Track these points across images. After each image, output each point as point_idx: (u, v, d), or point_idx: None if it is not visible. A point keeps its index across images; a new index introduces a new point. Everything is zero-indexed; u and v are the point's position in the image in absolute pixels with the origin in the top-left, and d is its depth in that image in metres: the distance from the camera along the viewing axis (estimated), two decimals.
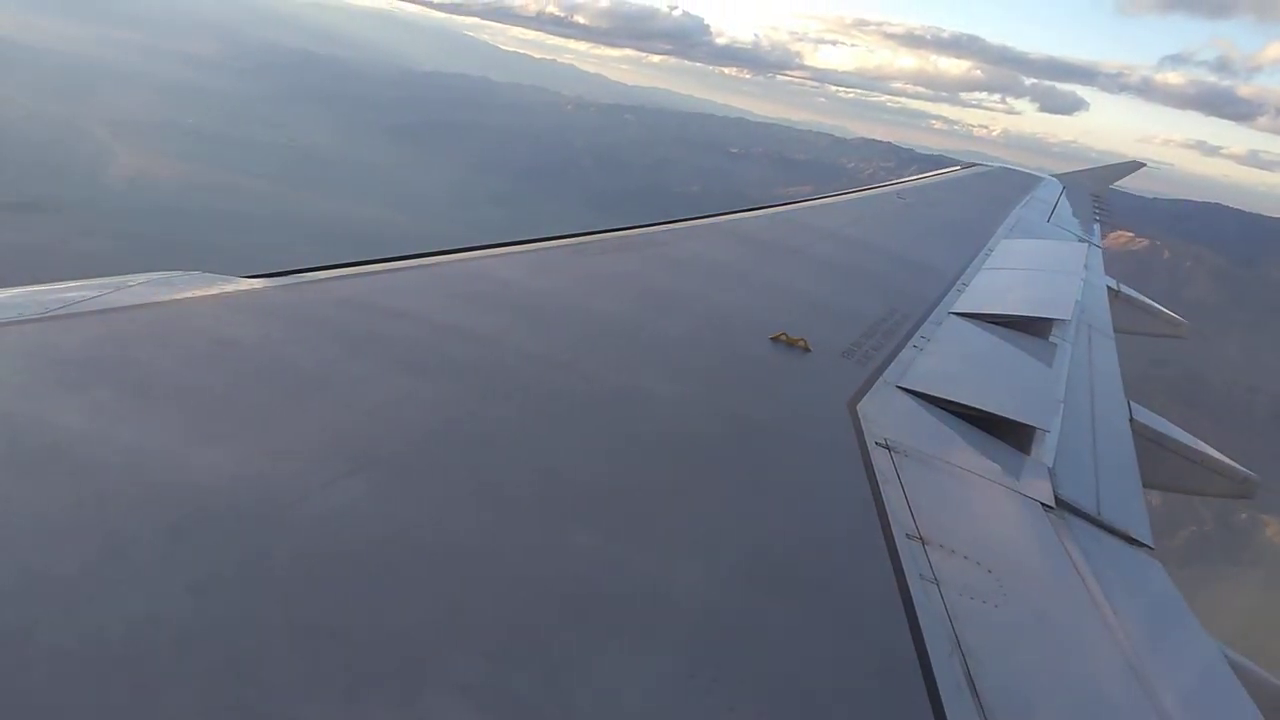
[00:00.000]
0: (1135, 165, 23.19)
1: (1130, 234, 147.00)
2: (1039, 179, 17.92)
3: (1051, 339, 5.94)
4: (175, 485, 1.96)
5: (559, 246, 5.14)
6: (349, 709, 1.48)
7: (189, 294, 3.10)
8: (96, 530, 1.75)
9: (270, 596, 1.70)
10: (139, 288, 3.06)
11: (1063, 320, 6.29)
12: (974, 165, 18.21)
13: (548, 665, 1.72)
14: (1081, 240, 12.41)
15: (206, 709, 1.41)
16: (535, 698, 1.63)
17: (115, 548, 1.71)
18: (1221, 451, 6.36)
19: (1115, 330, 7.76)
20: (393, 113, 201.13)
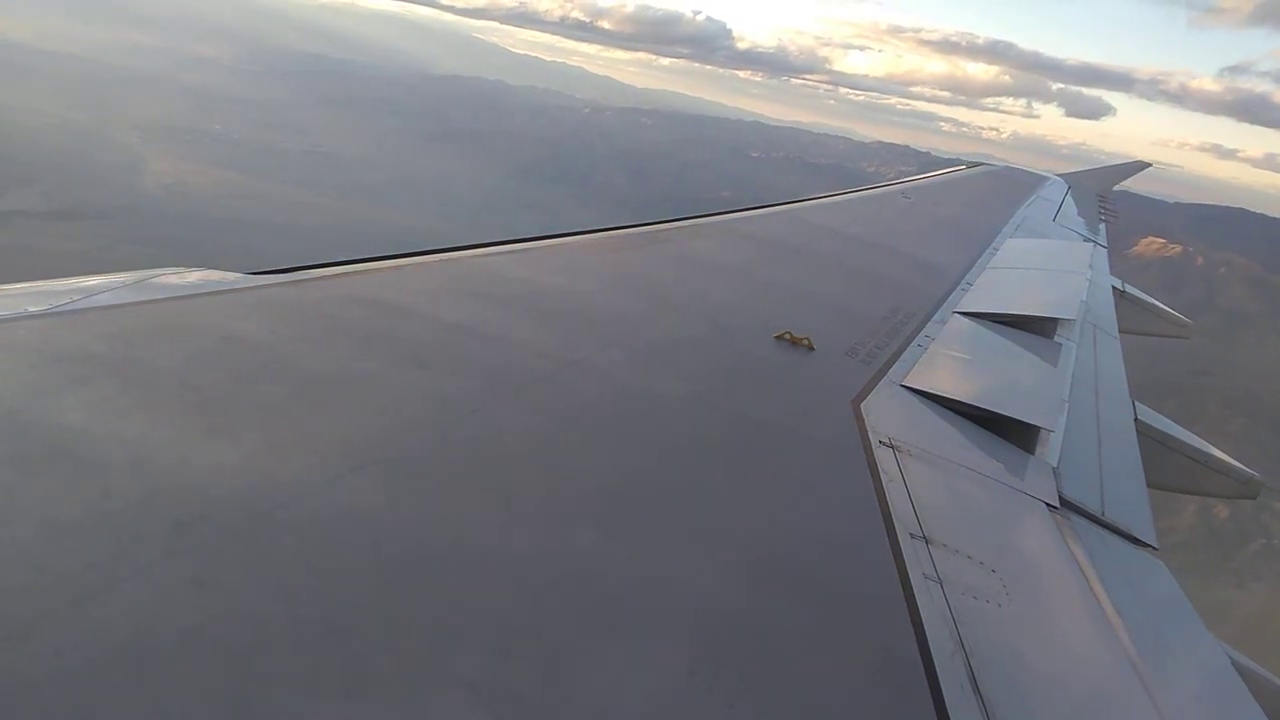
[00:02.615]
0: (1141, 165, 22.95)
1: (1162, 240, 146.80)
2: (1044, 178, 17.63)
3: (1057, 339, 5.89)
4: (180, 481, 1.94)
5: (564, 244, 5.11)
6: (358, 708, 1.47)
7: (194, 290, 3.09)
8: (102, 526, 1.73)
9: (278, 593, 1.68)
10: (144, 284, 3.04)
11: (1068, 320, 6.24)
12: (979, 164, 17.90)
13: (553, 662, 1.71)
14: (1087, 240, 12.25)
15: (214, 707, 1.40)
16: (540, 694, 1.63)
17: (120, 544, 1.69)
18: None
19: (1121, 331, 7.72)
20: (416, 118, 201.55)
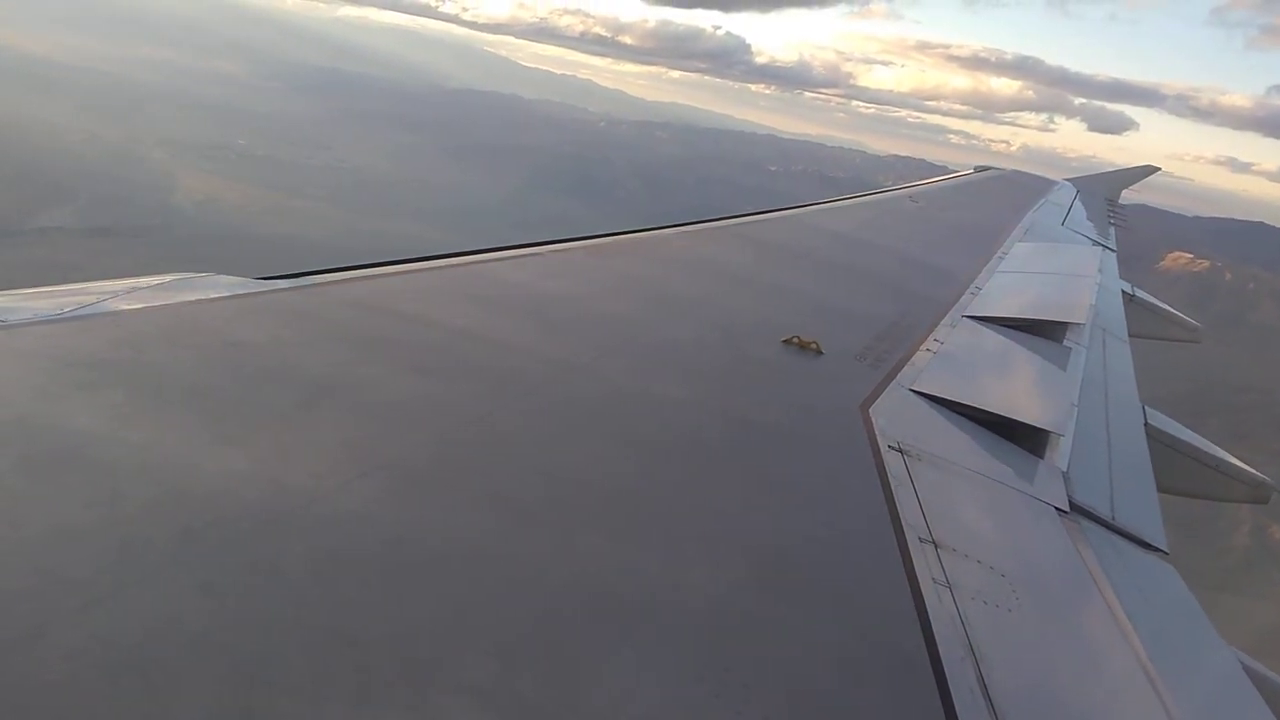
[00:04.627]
0: (1149, 169, 23.15)
1: (1189, 255, 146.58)
2: (1053, 183, 17.69)
3: (1066, 343, 5.85)
4: (189, 486, 1.94)
5: (572, 249, 5.10)
6: (363, 712, 1.47)
7: (203, 295, 3.09)
8: (111, 532, 1.73)
9: (285, 599, 1.68)
10: (153, 289, 3.04)
11: (1077, 324, 6.19)
12: (988, 168, 17.86)
13: (560, 667, 1.70)
14: (1096, 244, 12.20)
15: (221, 712, 1.40)
16: (548, 699, 1.62)
17: (129, 549, 1.69)
18: None
19: (1130, 335, 7.71)
20: (435, 132, 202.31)
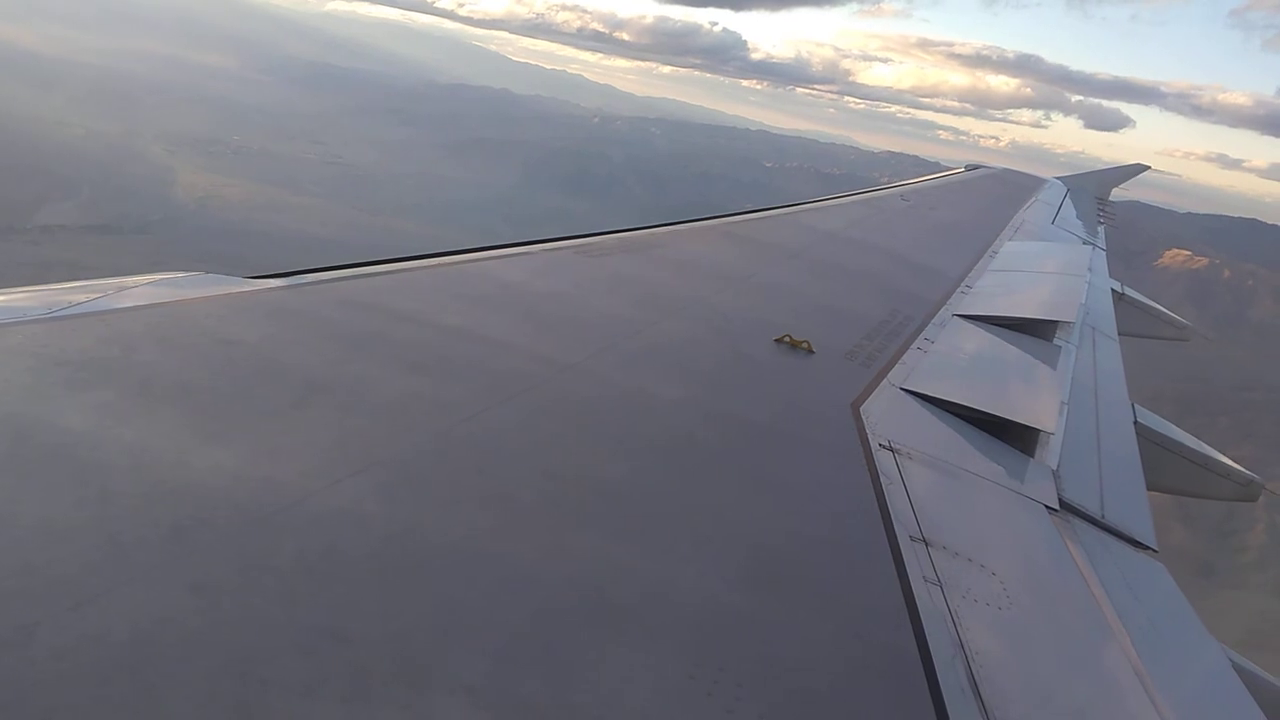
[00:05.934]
0: (1139, 168, 23.28)
1: (1187, 253, 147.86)
2: (1043, 181, 17.75)
3: (1056, 341, 5.91)
4: (179, 486, 1.94)
5: (563, 248, 5.11)
6: (354, 710, 1.47)
7: (193, 294, 3.08)
8: (101, 531, 1.72)
9: (276, 597, 1.67)
10: (143, 289, 3.04)
11: (1067, 323, 6.27)
12: (978, 167, 17.90)
13: (553, 665, 1.71)
14: (1086, 242, 12.30)
15: (212, 710, 1.39)
16: (539, 698, 1.63)
17: (119, 548, 1.68)
18: None
19: (1120, 334, 7.75)
20: (430, 127, 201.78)
